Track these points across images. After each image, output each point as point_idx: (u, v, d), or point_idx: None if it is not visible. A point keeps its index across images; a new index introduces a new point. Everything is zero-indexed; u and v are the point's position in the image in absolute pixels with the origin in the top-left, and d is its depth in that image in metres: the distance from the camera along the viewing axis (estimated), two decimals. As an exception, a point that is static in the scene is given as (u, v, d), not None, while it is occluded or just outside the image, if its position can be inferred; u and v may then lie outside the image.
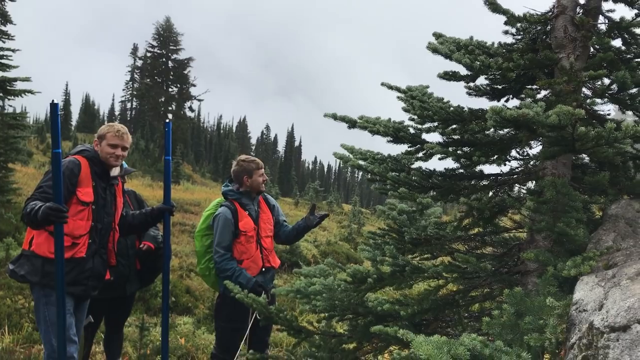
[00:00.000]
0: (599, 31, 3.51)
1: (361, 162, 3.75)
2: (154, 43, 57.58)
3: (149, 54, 58.94)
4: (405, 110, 3.61)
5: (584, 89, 3.48)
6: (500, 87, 3.79)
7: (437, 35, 3.71)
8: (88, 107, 71.56)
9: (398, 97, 3.76)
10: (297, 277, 4.18)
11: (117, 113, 75.20)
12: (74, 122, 68.77)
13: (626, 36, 3.56)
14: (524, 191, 3.82)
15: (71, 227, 3.52)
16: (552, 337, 2.38)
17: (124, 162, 4.10)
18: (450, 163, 3.66)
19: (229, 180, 4.62)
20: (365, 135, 3.78)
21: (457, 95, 3.73)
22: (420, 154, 3.75)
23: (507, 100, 3.86)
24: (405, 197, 3.80)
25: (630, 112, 3.60)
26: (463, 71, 3.61)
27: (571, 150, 2.93)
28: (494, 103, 3.81)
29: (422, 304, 3.41)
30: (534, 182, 3.55)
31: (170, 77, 56.71)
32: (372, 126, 3.64)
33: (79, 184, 3.62)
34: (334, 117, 3.73)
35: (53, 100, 3.15)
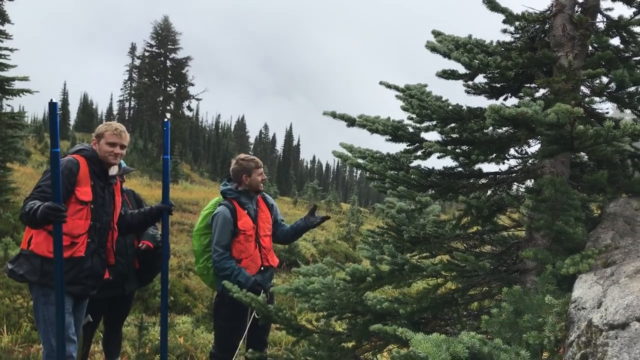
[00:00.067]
0: (597, 30, 3.51)
1: (360, 161, 3.75)
2: (152, 42, 57.49)
3: (147, 54, 58.85)
4: (404, 109, 3.61)
5: (582, 88, 3.48)
6: (498, 85, 3.80)
7: (436, 34, 3.71)
8: (86, 107, 71.53)
9: (396, 96, 3.76)
10: (295, 276, 4.18)
11: (115, 112, 75.23)
12: (72, 122, 68.77)
13: (624, 35, 3.57)
14: (523, 190, 3.83)
15: (70, 227, 3.51)
16: (551, 335, 2.38)
17: (122, 161, 4.10)
18: (449, 162, 3.68)
19: (228, 179, 4.62)
20: (364, 134, 3.78)
21: (455, 94, 3.74)
22: (419, 153, 3.75)
23: (505, 99, 3.86)
24: (404, 196, 3.80)
25: (628, 111, 3.61)
26: (462, 70, 3.61)
27: (570, 148, 2.93)
28: (493, 101, 3.81)
29: (421, 303, 3.41)
30: (533, 180, 3.56)
31: (169, 76, 56.61)
32: (371, 124, 3.65)
33: (78, 183, 3.61)
34: (333, 115, 3.73)
35: (52, 100, 3.15)
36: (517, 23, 3.71)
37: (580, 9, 3.49)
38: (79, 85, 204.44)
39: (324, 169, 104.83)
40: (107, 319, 4.77)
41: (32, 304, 3.73)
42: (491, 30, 4.00)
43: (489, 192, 3.76)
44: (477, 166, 3.66)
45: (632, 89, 3.37)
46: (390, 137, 3.72)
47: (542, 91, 3.68)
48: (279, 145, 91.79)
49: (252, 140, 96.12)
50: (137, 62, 64.38)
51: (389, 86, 3.81)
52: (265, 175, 4.62)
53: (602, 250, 2.85)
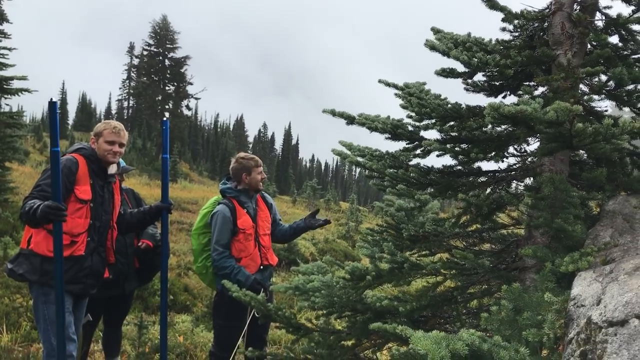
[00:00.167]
0: (596, 28, 3.52)
1: (359, 159, 3.75)
2: (151, 41, 57.47)
3: (145, 53, 58.86)
4: (403, 107, 3.62)
5: (581, 86, 3.49)
6: (497, 83, 3.80)
7: (435, 31, 3.71)
8: (85, 106, 71.49)
9: (396, 94, 3.77)
10: (295, 275, 4.18)
11: (114, 112, 75.10)
12: (70, 121, 68.71)
13: (623, 33, 3.58)
14: (522, 187, 3.84)
15: (70, 225, 3.51)
16: (550, 332, 2.39)
17: (121, 160, 4.10)
18: (448, 160, 3.68)
19: (227, 178, 4.61)
20: (363, 133, 3.79)
21: (453, 92, 3.75)
22: (419, 151, 3.76)
23: (504, 97, 3.87)
24: (403, 194, 3.80)
25: (627, 109, 3.61)
26: (460, 68, 3.62)
27: (569, 146, 2.94)
28: (492, 99, 3.82)
29: (420, 301, 3.42)
30: (532, 178, 3.56)
31: (167, 75, 56.59)
32: (371, 123, 3.65)
33: (77, 182, 3.61)
34: (333, 113, 3.73)
35: (51, 99, 3.14)
36: (516, 21, 3.72)
37: (579, 7, 3.50)
38: (77, 85, 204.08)
39: (323, 167, 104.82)
40: (106, 318, 4.77)
41: (32, 303, 3.73)
42: (490, 28, 4.01)
43: (488, 190, 3.77)
44: (476, 164, 3.67)
45: (631, 86, 3.38)
46: (389, 136, 3.72)
47: (541, 89, 3.68)
48: (278, 145, 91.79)
49: (250, 139, 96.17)
50: (136, 61, 64.40)
51: (388, 84, 3.82)
52: (265, 174, 4.62)
53: (601, 247, 2.85)
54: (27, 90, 13.95)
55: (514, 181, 3.83)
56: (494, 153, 3.56)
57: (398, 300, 3.48)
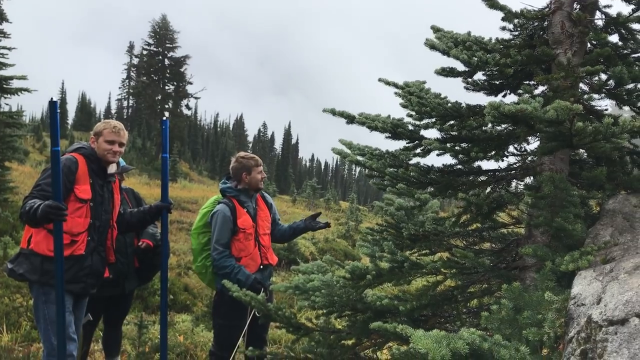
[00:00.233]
0: (596, 27, 3.52)
1: (359, 158, 3.75)
2: (150, 41, 57.41)
3: (145, 52, 58.80)
4: (403, 106, 3.62)
5: (581, 85, 3.49)
6: (497, 82, 3.80)
7: (435, 29, 3.71)
8: (84, 106, 71.45)
9: (396, 93, 3.77)
10: (295, 274, 4.18)
11: (113, 111, 75.09)
12: (70, 121, 68.67)
13: (623, 32, 3.58)
14: (522, 187, 3.84)
15: (70, 225, 3.51)
16: (551, 331, 2.39)
17: (121, 160, 4.09)
18: (448, 159, 3.68)
19: (227, 177, 4.61)
20: (362, 132, 3.79)
21: (453, 90, 3.75)
22: (419, 150, 3.76)
23: (504, 96, 3.87)
24: (403, 193, 3.80)
25: (627, 108, 3.61)
26: (460, 67, 3.62)
27: (569, 145, 2.94)
28: (492, 98, 3.82)
29: (420, 300, 3.42)
30: (532, 177, 3.56)
31: (167, 75, 56.54)
32: (371, 122, 3.65)
33: (77, 182, 3.61)
34: (333, 112, 3.73)
35: (52, 98, 3.13)
36: (516, 20, 3.72)
37: (578, 6, 3.50)
38: (77, 84, 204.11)
39: (322, 167, 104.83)
40: (107, 317, 4.77)
41: (32, 303, 3.73)
42: (489, 27, 4.01)
43: (489, 189, 3.77)
44: (476, 163, 3.67)
45: (631, 85, 3.38)
46: (389, 135, 3.72)
47: (541, 88, 3.68)
48: (278, 144, 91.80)
49: (250, 138, 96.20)
50: (135, 60, 64.32)
51: (387, 83, 3.82)
52: (265, 174, 4.62)
53: (601, 246, 2.86)
54: (26, 89, 13.95)
55: (514, 180, 3.83)
56: (494, 152, 3.56)
57: (398, 300, 3.49)
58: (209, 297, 9.42)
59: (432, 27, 3.75)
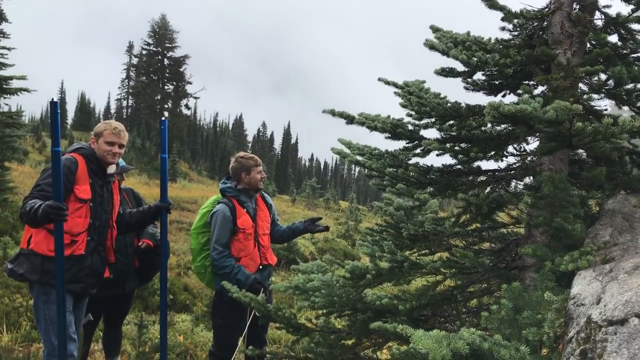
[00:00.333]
0: (595, 27, 3.52)
1: (359, 158, 3.76)
2: (150, 41, 57.38)
3: (144, 52, 58.75)
4: (403, 105, 3.62)
5: (580, 85, 3.49)
6: (497, 82, 3.81)
7: (435, 29, 3.71)
8: (84, 106, 71.40)
9: (395, 93, 3.77)
10: (295, 274, 4.18)
11: (112, 111, 75.10)
12: (69, 121, 68.65)
13: (622, 32, 3.58)
14: (522, 187, 3.84)
15: (70, 225, 3.51)
16: (550, 331, 2.39)
17: (121, 160, 4.10)
18: (447, 159, 3.68)
19: (227, 177, 4.61)
20: (361, 132, 3.79)
21: (452, 90, 3.76)
22: (418, 150, 3.76)
23: (504, 96, 3.87)
24: (403, 193, 3.81)
25: (626, 108, 3.61)
26: (460, 67, 3.62)
27: (568, 145, 2.94)
28: (491, 98, 3.82)
29: (420, 300, 3.42)
30: (532, 177, 3.57)
31: (166, 74, 56.51)
32: (371, 122, 3.65)
33: (77, 182, 3.62)
34: (332, 113, 3.74)
35: (53, 99, 3.14)
36: (515, 20, 3.72)
37: (578, 7, 3.50)
38: (76, 84, 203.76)
39: (322, 166, 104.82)
40: (107, 317, 4.77)
41: (33, 303, 3.73)
42: (488, 27, 4.01)
43: (488, 189, 3.78)
44: (475, 163, 3.67)
45: (630, 85, 3.39)
46: (389, 135, 3.72)
47: (540, 88, 3.69)
48: (277, 144, 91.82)
49: (250, 138, 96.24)
50: (135, 60, 64.25)
51: (387, 83, 3.82)
52: (264, 174, 4.62)
53: (601, 246, 2.86)
54: (26, 89, 13.95)
55: (514, 180, 3.84)
56: (493, 152, 3.56)
57: (398, 299, 3.49)
58: (208, 297, 9.42)
59: (431, 27, 3.75)
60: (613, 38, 3.58)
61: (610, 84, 3.38)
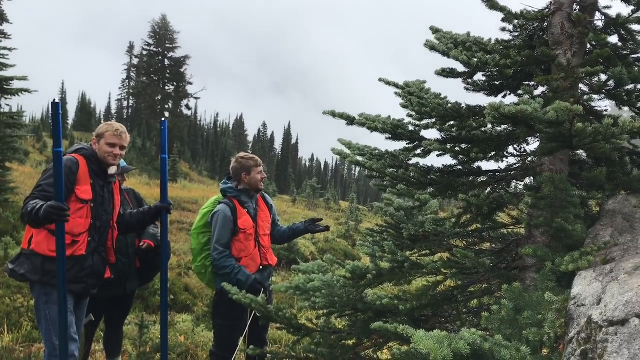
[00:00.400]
0: (595, 28, 3.53)
1: (359, 158, 3.76)
2: (150, 41, 57.40)
3: (145, 52, 58.81)
4: (404, 106, 3.63)
5: (581, 85, 3.49)
6: (497, 83, 3.81)
7: (435, 30, 3.72)
8: (84, 106, 71.42)
9: (396, 93, 3.77)
10: (295, 274, 4.19)
11: (113, 111, 75.13)
12: (70, 121, 68.68)
13: (623, 32, 3.58)
14: (522, 187, 3.84)
15: (71, 225, 3.52)
16: (551, 331, 2.40)
17: (122, 160, 4.10)
18: (448, 160, 3.69)
19: (228, 178, 4.62)
20: (361, 132, 3.79)
21: (452, 91, 3.76)
22: (419, 151, 3.77)
23: (504, 97, 3.88)
24: (403, 194, 3.81)
25: (626, 108, 3.62)
26: (460, 68, 3.62)
27: (569, 146, 2.95)
28: (492, 99, 3.83)
29: (421, 300, 3.43)
30: (532, 178, 3.57)
31: (167, 75, 56.52)
32: (371, 123, 3.66)
33: (78, 182, 3.62)
34: (333, 114, 3.74)
35: (54, 100, 3.15)
36: (515, 21, 3.72)
37: (578, 7, 3.50)
38: (77, 85, 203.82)
39: (322, 167, 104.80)
40: (108, 317, 4.78)
41: (34, 303, 3.73)
42: (490, 28, 4.01)
43: (488, 189, 3.78)
44: (476, 164, 3.68)
45: (631, 86, 3.39)
46: (390, 136, 3.73)
47: (541, 89, 3.69)
48: (278, 144, 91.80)
49: (250, 138, 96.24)
50: (135, 61, 64.38)
51: (388, 83, 3.82)
52: (265, 174, 4.62)
53: (601, 247, 2.86)
54: (27, 90, 13.96)
55: (514, 181, 3.84)
56: (494, 153, 3.57)
57: (399, 299, 3.49)
58: (209, 297, 9.42)
59: (432, 28, 3.75)
60: (613, 39, 3.59)
61: (611, 85, 3.39)
